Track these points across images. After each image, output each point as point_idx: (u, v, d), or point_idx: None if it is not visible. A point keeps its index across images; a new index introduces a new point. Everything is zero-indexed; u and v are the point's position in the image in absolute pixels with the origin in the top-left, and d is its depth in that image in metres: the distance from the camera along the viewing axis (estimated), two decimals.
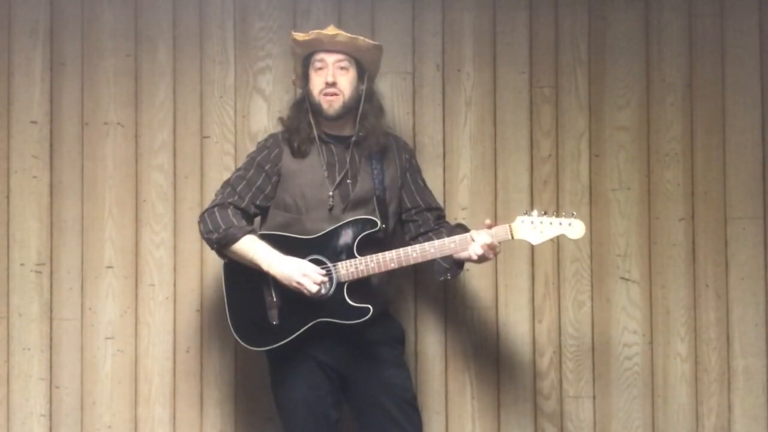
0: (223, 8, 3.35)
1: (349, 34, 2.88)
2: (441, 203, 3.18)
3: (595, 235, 3.32)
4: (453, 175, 3.33)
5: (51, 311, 3.31)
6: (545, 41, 3.35)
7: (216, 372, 3.31)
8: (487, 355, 3.33)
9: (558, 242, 3.27)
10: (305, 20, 3.34)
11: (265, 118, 3.33)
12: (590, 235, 3.28)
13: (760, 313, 3.34)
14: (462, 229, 2.93)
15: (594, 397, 3.34)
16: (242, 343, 2.88)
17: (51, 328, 3.31)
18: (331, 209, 2.85)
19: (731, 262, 3.34)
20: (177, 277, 3.32)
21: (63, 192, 3.32)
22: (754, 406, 3.34)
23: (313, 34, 2.89)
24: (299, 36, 2.91)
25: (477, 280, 3.32)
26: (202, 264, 3.31)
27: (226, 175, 3.28)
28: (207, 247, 3.26)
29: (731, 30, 3.37)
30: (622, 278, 3.34)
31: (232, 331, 2.88)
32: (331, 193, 2.86)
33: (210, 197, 3.25)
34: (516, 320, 3.33)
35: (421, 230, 2.99)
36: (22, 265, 3.31)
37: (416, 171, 3.06)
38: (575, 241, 2.90)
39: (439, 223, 3.01)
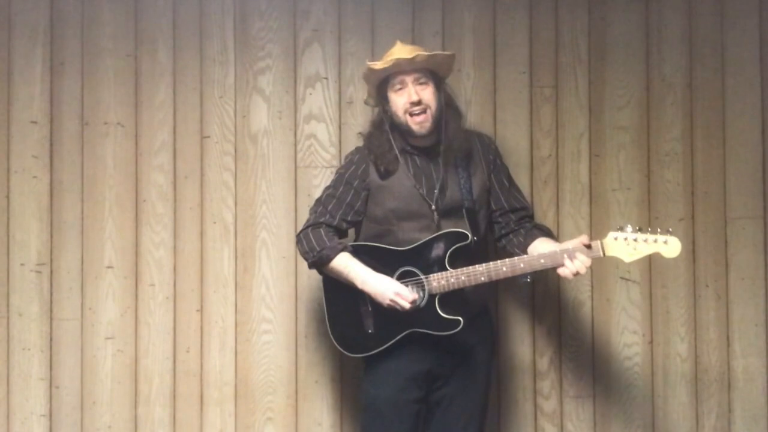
0: (223, 8, 3.35)
1: (426, 53, 2.83)
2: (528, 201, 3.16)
3: (594, 235, 3.30)
4: None
5: (51, 311, 3.31)
6: (545, 41, 3.35)
7: (216, 372, 3.31)
8: None
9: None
10: (305, 20, 3.34)
11: (265, 118, 3.33)
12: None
13: (760, 313, 3.34)
14: (540, 231, 2.94)
15: (594, 397, 3.33)
16: (341, 350, 2.93)
17: (51, 328, 3.31)
18: (421, 220, 2.87)
19: (731, 262, 3.34)
20: (177, 277, 3.32)
21: (63, 192, 3.32)
22: (754, 406, 3.34)
23: (390, 61, 2.83)
24: (377, 65, 2.86)
25: None
26: (202, 264, 3.31)
27: (227, 175, 3.29)
28: (207, 247, 3.28)
29: (731, 30, 3.36)
30: (622, 278, 3.34)
31: (332, 339, 2.93)
32: (421, 205, 2.88)
33: (210, 197, 3.27)
34: (516, 320, 3.34)
35: (503, 232, 3.01)
36: (22, 265, 3.31)
37: (501, 170, 3.04)
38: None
39: (519, 224, 3.00)
